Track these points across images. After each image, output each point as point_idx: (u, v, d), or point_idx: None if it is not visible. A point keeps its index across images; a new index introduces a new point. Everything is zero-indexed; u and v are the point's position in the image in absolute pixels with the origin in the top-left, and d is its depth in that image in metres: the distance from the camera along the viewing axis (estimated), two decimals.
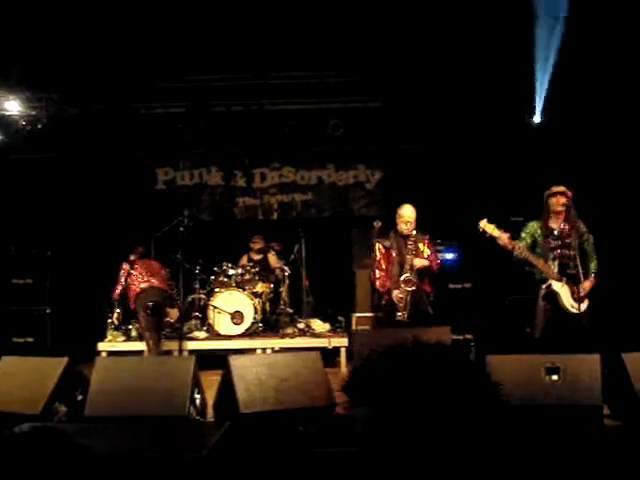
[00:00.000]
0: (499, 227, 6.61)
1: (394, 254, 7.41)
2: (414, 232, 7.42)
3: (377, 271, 7.53)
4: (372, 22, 8.84)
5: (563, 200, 6.68)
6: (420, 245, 7.44)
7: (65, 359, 5.99)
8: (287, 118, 10.60)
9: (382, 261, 7.51)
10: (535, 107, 9.39)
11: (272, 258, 10.15)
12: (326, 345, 8.84)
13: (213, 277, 9.67)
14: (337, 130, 10.71)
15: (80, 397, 5.87)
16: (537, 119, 9.53)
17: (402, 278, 7.24)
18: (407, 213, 7.44)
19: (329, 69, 9.79)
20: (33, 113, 10.17)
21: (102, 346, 9.05)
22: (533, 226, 6.84)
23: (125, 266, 8.68)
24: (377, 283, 7.50)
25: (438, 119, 10.21)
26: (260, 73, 9.77)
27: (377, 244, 7.59)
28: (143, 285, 8.54)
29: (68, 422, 5.69)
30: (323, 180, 11.31)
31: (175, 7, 8.56)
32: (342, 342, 9.02)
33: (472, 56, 9.06)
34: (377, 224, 8.59)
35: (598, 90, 9.22)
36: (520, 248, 6.63)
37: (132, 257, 8.78)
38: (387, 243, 7.50)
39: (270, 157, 11.30)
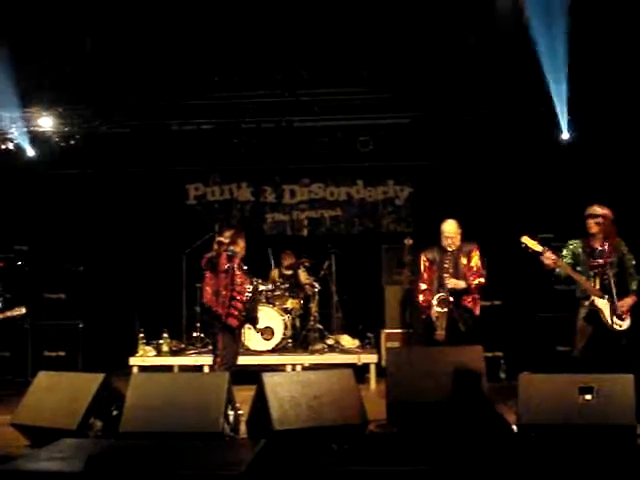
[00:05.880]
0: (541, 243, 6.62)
1: (435, 268, 7.30)
2: (454, 247, 7.24)
3: (421, 284, 7.42)
4: (400, 39, 8.91)
5: (592, 223, 6.70)
6: (463, 260, 7.27)
7: (101, 375, 6.07)
8: (316, 135, 10.67)
9: (426, 274, 7.39)
10: (560, 124, 9.36)
11: (302, 274, 10.19)
12: (355, 361, 8.84)
13: None
14: (366, 146, 10.76)
15: (115, 412, 5.94)
16: (565, 136, 9.49)
17: (436, 298, 7.15)
18: (448, 229, 7.29)
19: (358, 86, 9.82)
20: (66, 129, 10.30)
21: (133, 361, 9.13)
22: (575, 244, 6.85)
23: None
24: (420, 297, 7.39)
25: (467, 135, 10.23)
26: (290, 90, 9.83)
27: (422, 256, 7.46)
28: None
29: (103, 437, 5.77)
30: (352, 196, 11.37)
31: (206, 25, 8.68)
32: (371, 358, 9.04)
33: (500, 72, 9.07)
34: (408, 241, 8.64)
35: (627, 103, 9.17)
36: (563, 264, 6.63)
37: None
38: (430, 256, 7.36)
39: (300, 173, 11.39)
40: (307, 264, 10.17)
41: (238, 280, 7.08)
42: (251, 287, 7.24)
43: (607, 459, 4.95)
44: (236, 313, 7.04)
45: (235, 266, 7.07)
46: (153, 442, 5.01)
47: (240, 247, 7.22)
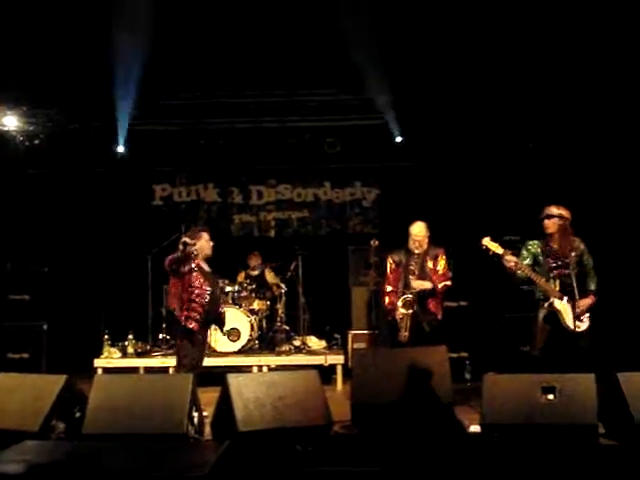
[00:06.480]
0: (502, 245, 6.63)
1: (401, 270, 7.30)
2: (421, 249, 7.28)
3: (386, 286, 7.43)
4: (368, 41, 8.92)
5: (549, 223, 6.75)
6: (430, 263, 7.29)
7: (64, 376, 6.00)
8: (284, 136, 10.66)
9: (391, 276, 7.40)
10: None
11: (269, 275, 10.19)
12: (322, 362, 8.85)
13: None
14: (334, 148, 10.77)
15: (78, 414, 5.87)
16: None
17: (401, 300, 7.17)
18: (415, 231, 7.31)
19: (326, 87, 9.83)
20: (31, 129, 10.19)
21: (98, 362, 9.05)
22: (534, 245, 6.84)
23: None
24: (386, 299, 7.40)
25: (434, 137, 10.28)
26: (258, 91, 9.81)
27: (388, 258, 7.48)
28: None
29: (66, 439, 5.71)
30: (319, 197, 11.40)
31: (176, 24, 8.62)
32: (338, 359, 9.05)
33: (469, 75, 9.13)
34: (374, 243, 8.66)
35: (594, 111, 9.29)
36: (523, 266, 6.64)
37: None
38: (397, 258, 7.37)
39: (267, 174, 11.38)
40: (274, 265, 10.17)
41: (197, 282, 6.76)
42: (210, 289, 6.91)
43: (569, 458, 4.99)
44: (195, 315, 6.72)
45: (195, 267, 6.81)
46: (116, 444, 4.97)
47: (197, 246, 6.84)
